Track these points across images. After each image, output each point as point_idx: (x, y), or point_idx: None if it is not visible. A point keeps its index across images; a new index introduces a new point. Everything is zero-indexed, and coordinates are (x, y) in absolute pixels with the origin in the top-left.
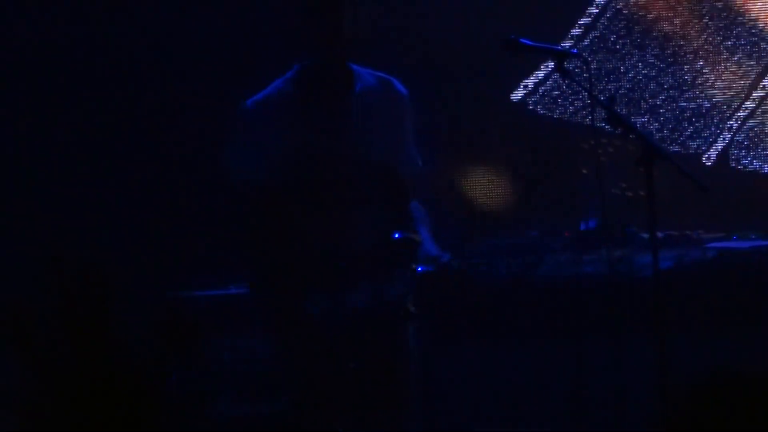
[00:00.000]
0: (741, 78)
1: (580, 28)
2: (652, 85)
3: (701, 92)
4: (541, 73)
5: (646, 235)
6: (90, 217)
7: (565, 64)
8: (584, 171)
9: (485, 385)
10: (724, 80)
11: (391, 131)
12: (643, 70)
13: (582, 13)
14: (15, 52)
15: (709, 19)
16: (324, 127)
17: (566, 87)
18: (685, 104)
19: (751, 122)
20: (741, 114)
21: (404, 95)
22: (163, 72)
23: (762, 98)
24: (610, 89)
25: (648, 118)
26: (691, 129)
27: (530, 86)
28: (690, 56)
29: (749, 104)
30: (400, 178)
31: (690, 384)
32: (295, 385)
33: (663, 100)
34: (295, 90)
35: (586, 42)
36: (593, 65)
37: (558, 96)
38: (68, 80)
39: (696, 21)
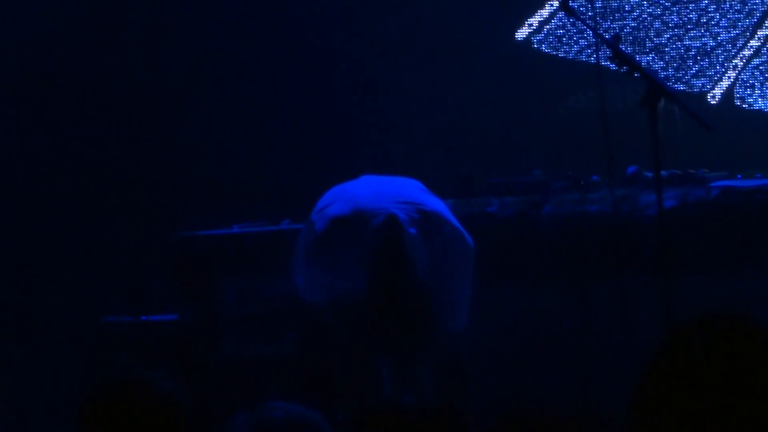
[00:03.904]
0: (746, 16)
1: None
2: (656, 24)
3: (706, 30)
4: (545, 12)
5: (650, 174)
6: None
7: (570, 3)
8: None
9: (488, 324)
10: (729, 19)
11: (451, 285)
12: (648, 8)
13: None
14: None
15: None
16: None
17: (571, 25)
18: (690, 43)
19: (756, 61)
20: (746, 53)
21: (472, 250)
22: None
23: (767, 37)
24: (615, 28)
25: (653, 57)
26: (696, 68)
27: (535, 25)
28: None
29: (754, 43)
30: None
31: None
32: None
33: (668, 39)
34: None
35: None
36: (598, 4)
37: (563, 35)
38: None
39: None
